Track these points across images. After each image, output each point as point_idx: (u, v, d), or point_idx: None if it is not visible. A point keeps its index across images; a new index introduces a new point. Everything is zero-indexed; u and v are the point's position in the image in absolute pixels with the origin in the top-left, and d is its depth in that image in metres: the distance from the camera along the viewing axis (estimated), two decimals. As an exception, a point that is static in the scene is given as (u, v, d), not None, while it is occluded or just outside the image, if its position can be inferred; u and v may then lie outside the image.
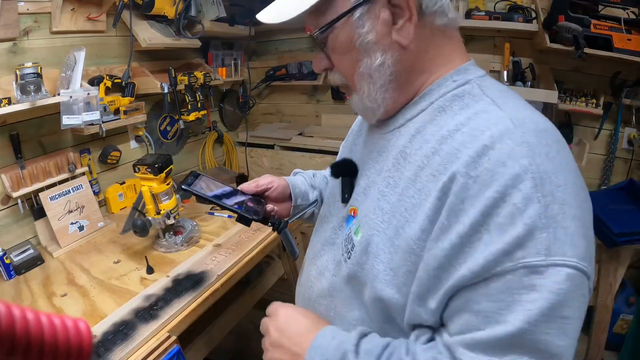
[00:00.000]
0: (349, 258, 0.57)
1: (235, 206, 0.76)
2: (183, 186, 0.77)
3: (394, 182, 0.52)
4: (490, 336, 0.41)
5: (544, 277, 0.39)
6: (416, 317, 0.49)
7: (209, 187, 0.79)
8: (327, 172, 0.93)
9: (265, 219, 0.78)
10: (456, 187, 0.44)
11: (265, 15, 0.58)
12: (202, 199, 0.77)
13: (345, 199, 0.64)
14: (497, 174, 0.42)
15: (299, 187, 0.87)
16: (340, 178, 0.66)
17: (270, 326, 0.61)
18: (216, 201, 0.76)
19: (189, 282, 1.05)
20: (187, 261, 1.16)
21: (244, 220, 0.75)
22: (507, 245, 0.41)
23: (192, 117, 1.77)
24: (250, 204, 0.79)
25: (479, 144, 0.44)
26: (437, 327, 0.49)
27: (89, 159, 1.48)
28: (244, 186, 0.83)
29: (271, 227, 0.78)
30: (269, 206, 0.80)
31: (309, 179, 0.91)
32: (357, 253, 0.55)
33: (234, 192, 0.81)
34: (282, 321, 0.60)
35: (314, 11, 0.53)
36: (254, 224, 0.76)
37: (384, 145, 0.59)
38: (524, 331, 0.40)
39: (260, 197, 0.83)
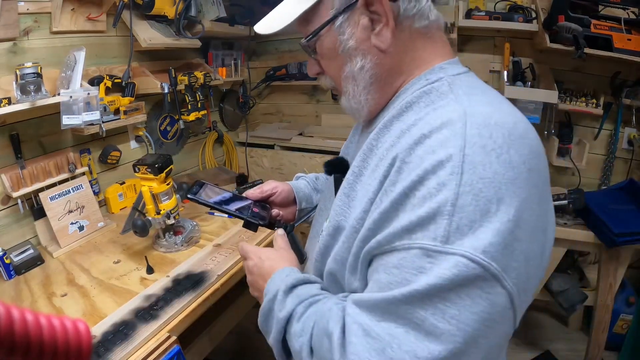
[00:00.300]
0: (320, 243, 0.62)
1: (241, 212, 0.78)
2: (189, 195, 0.79)
3: (359, 171, 0.56)
4: (373, 298, 0.45)
5: (434, 263, 0.41)
6: (352, 286, 0.53)
7: (214, 194, 0.81)
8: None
9: (271, 224, 0.80)
10: (393, 171, 0.47)
11: (260, 27, 0.63)
12: (208, 207, 0.79)
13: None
14: (425, 160, 0.44)
15: (302, 190, 0.89)
16: (333, 175, 0.68)
17: (250, 252, 0.71)
18: (222, 208, 0.78)
19: (189, 282, 1.05)
20: (187, 261, 1.16)
21: (251, 226, 0.77)
22: (410, 223, 0.43)
23: (192, 117, 1.77)
24: (255, 210, 0.81)
25: (419, 133, 0.47)
26: None
27: (89, 159, 1.48)
28: (248, 192, 0.85)
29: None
30: (274, 211, 0.83)
31: (312, 182, 0.93)
32: (324, 237, 0.59)
33: (239, 199, 0.83)
34: (261, 252, 0.70)
35: (302, 21, 0.58)
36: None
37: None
38: (401, 301, 0.42)
39: (265, 202, 0.85)
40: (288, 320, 0.56)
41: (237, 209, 0.79)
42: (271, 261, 0.67)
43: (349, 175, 0.57)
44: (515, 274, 0.41)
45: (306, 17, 0.57)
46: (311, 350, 0.52)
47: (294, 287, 0.58)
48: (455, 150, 0.43)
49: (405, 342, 0.42)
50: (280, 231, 0.76)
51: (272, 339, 0.58)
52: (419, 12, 0.54)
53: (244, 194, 0.85)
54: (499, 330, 0.43)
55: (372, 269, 0.48)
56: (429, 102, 0.52)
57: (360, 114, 0.61)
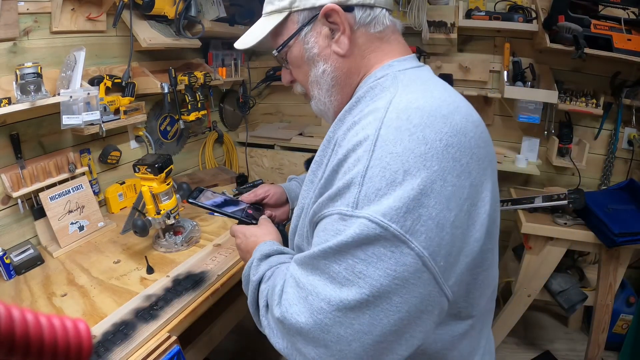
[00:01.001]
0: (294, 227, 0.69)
1: (237, 214, 0.88)
2: (189, 200, 0.90)
3: (320, 160, 0.62)
4: (304, 255, 0.54)
5: (347, 225, 0.48)
6: None
7: (213, 198, 0.92)
8: None
9: None
10: (332, 154, 0.57)
11: (239, 43, 0.72)
12: (207, 210, 0.90)
13: None
14: (350, 141, 0.53)
15: (294, 191, 0.99)
16: None
17: (238, 231, 0.82)
18: (219, 210, 0.88)
19: (189, 282, 1.05)
20: (187, 261, 1.16)
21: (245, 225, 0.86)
22: (332, 194, 0.52)
23: (192, 117, 1.77)
24: (250, 212, 0.90)
25: (352, 120, 0.56)
26: None
27: (89, 159, 1.48)
28: (244, 197, 0.95)
29: None
30: (267, 212, 0.94)
31: (302, 183, 0.97)
32: (294, 219, 0.68)
33: (235, 202, 0.93)
34: (246, 230, 0.81)
35: (273, 35, 0.67)
36: None
37: None
38: (320, 256, 0.50)
39: (259, 205, 0.95)
40: (259, 283, 0.65)
41: (232, 212, 0.88)
42: (255, 237, 0.77)
43: (312, 165, 0.64)
44: (424, 238, 0.47)
45: (276, 32, 0.66)
46: (267, 309, 0.61)
47: (268, 256, 0.68)
48: (372, 131, 0.50)
49: (322, 291, 0.49)
50: (264, 216, 0.87)
51: (248, 301, 0.66)
52: (373, 19, 0.62)
53: (239, 198, 0.95)
54: (416, 292, 0.48)
55: (314, 236, 0.56)
56: (373, 95, 0.59)
57: (328, 115, 0.68)
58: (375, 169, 0.48)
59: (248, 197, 0.94)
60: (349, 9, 0.60)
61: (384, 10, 0.63)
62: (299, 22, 0.63)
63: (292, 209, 0.96)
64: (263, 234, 0.78)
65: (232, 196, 0.96)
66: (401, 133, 0.49)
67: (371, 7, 0.61)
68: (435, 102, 0.53)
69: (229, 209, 0.88)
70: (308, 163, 0.85)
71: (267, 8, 0.67)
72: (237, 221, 0.87)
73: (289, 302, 0.53)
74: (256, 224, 0.85)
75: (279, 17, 0.65)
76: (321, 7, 0.60)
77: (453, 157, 0.50)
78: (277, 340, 0.58)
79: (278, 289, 0.57)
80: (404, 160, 0.47)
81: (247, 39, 0.70)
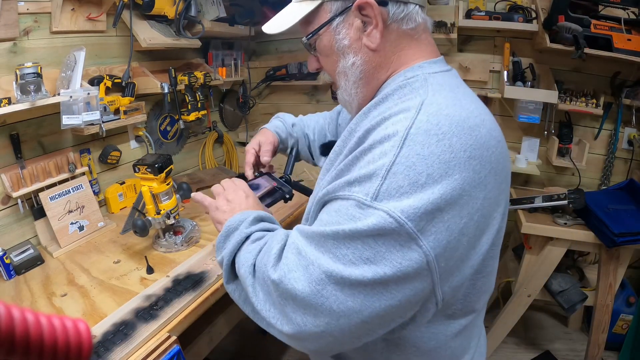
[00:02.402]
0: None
1: (276, 197, 0.91)
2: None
3: (339, 150, 0.63)
4: (312, 229, 0.55)
5: (364, 214, 0.50)
6: None
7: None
8: (308, 121, 1.18)
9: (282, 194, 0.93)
10: (355, 143, 0.58)
11: (268, 27, 0.71)
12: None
13: None
14: (378, 134, 0.54)
15: (280, 135, 1.07)
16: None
17: (225, 185, 0.83)
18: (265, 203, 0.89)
19: (189, 282, 1.05)
20: (187, 261, 1.16)
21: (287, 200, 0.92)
22: (351, 178, 0.53)
23: (192, 117, 1.77)
24: (275, 185, 0.93)
25: (382, 116, 0.56)
26: None
27: (89, 159, 1.48)
28: (248, 175, 0.97)
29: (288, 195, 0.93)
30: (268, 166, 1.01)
31: (289, 128, 1.11)
32: (309, 206, 0.67)
33: (256, 186, 0.93)
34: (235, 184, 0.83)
35: (303, 22, 0.66)
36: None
37: None
38: (330, 237, 0.52)
39: (262, 170, 0.99)
40: (246, 238, 0.66)
41: (270, 199, 0.90)
42: (248, 204, 0.79)
43: (331, 154, 0.65)
44: (433, 239, 0.49)
45: (308, 19, 0.65)
46: (254, 269, 0.62)
47: (263, 219, 0.71)
48: (402, 128, 0.51)
49: (324, 264, 0.51)
50: (237, 180, 0.87)
51: (225, 254, 0.67)
52: (406, 15, 0.61)
53: (253, 180, 0.96)
54: (412, 286, 0.51)
55: (321, 212, 0.58)
56: (402, 95, 0.59)
57: (352, 106, 0.69)
58: (400, 166, 0.49)
59: (249, 173, 0.98)
60: (383, 3, 0.60)
61: (417, 6, 0.62)
62: (331, 11, 0.63)
63: (282, 140, 1.06)
64: (251, 205, 0.80)
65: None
66: (430, 137, 0.50)
67: (405, 2, 0.61)
68: (464, 113, 0.55)
69: (267, 200, 0.90)
70: (322, 147, 0.89)
71: None
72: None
73: (289, 267, 0.55)
74: (290, 196, 0.92)
75: (311, 5, 0.64)
76: None
77: (474, 169, 0.51)
78: (260, 303, 0.60)
79: (275, 252, 0.59)
80: (429, 164, 0.49)
81: (277, 24, 0.69)
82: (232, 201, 0.78)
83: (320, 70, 0.73)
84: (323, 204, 0.58)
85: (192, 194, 0.88)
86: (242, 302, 0.66)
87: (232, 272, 0.68)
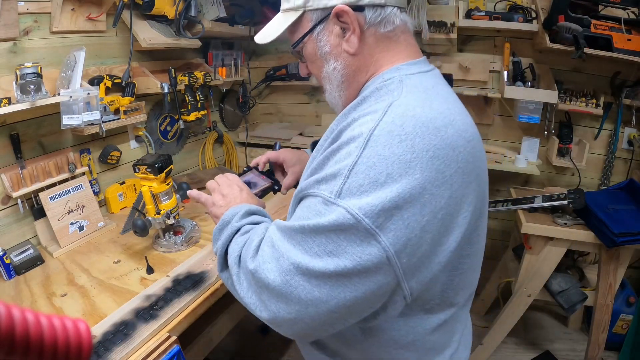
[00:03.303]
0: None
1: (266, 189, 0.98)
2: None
3: (320, 148, 0.66)
4: (286, 224, 0.59)
5: (327, 210, 0.53)
6: None
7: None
8: None
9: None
10: (331, 142, 0.61)
11: (258, 37, 0.76)
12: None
13: None
14: (347, 135, 0.57)
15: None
16: None
17: (220, 180, 0.87)
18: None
19: (189, 282, 1.05)
20: (187, 261, 1.16)
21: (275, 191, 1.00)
22: (320, 177, 0.57)
23: (192, 117, 1.77)
24: (263, 177, 1.01)
25: (352, 118, 0.60)
26: None
27: (89, 159, 1.48)
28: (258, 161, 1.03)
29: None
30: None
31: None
32: (292, 201, 0.69)
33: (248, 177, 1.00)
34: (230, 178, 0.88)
35: (289, 31, 0.70)
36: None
37: None
38: (298, 231, 0.56)
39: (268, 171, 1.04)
40: (237, 231, 0.70)
41: (260, 190, 0.97)
42: (235, 200, 0.82)
43: (314, 152, 0.68)
44: (392, 235, 0.51)
45: (292, 29, 0.70)
46: (239, 259, 0.66)
47: (253, 213, 0.75)
48: (367, 130, 0.54)
49: (293, 256, 0.55)
50: (230, 175, 0.91)
51: (219, 245, 0.71)
52: (384, 19, 0.63)
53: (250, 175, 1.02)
54: (375, 279, 0.53)
55: (297, 208, 0.62)
56: (378, 96, 0.61)
57: (337, 108, 0.72)
58: (362, 166, 0.52)
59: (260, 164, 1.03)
60: (359, 8, 0.62)
61: (396, 8, 0.64)
62: (312, 20, 0.66)
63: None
64: (245, 198, 0.83)
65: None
66: (392, 138, 0.53)
67: (382, 6, 0.63)
68: (432, 114, 0.56)
69: (259, 191, 0.97)
70: (312, 145, 0.93)
71: (284, 5, 0.70)
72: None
73: (264, 259, 0.60)
74: (278, 187, 0.98)
75: (294, 15, 0.68)
76: (333, 7, 0.63)
77: (437, 168, 0.53)
78: (243, 291, 0.65)
79: (254, 245, 0.63)
80: (389, 164, 0.51)
81: (266, 34, 0.74)
82: (227, 195, 0.82)
83: (310, 75, 0.76)
84: (299, 200, 0.62)
85: (189, 192, 0.91)
86: (232, 289, 0.70)
87: (224, 261, 0.71)
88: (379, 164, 0.52)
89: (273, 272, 0.57)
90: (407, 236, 0.52)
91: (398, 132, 0.53)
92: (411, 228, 0.52)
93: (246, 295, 0.64)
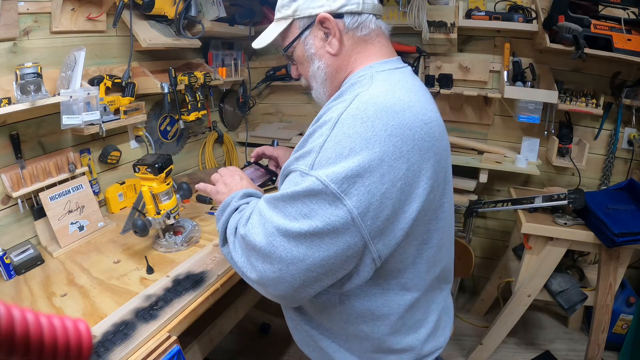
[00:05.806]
0: None
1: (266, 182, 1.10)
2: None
3: (305, 137, 0.73)
4: (271, 195, 0.70)
5: (303, 180, 0.64)
6: None
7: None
8: None
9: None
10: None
11: (255, 43, 0.86)
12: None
13: None
14: (321, 120, 0.69)
15: None
16: None
17: (222, 172, 0.96)
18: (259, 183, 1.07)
19: (189, 282, 1.05)
20: (187, 261, 1.16)
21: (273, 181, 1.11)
22: (299, 155, 0.68)
23: (192, 117, 1.77)
24: (262, 170, 1.12)
25: (329, 106, 0.72)
26: None
27: (89, 159, 1.48)
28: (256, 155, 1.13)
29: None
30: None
31: None
32: (279, 178, 0.78)
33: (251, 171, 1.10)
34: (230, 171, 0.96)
35: (281, 37, 0.82)
36: None
37: None
38: (279, 199, 0.67)
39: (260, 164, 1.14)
40: (235, 209, 0.80)
41: (260, 181, 1.08)
42: (243, 185, 0.91)
43: (300, 141, 0.75)
44: (355, 199, 0.61)
45: (284, 35, 0.82)
46: (235, 230, 0.76)
47: (250, 195, 0.84)
48: (336, 115, 0.66)
49: (275, 221, 0.66)
50: (231, 167, 1.00)
51: (221, 223, 0.80)
52: (361, 24, 0.75)
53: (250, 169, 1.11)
54: (344, 239, 0.63)
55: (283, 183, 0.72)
56: (352, 90, 0.71)
57: (322, 102, 0.82)
58: (330, 143, 0.64)
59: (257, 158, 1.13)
60: (339, 15, 0.74)
61: (371, 15, 0.76)
62: (300, 27, 0.78)
63: None
64: (245, 185, 0.92)
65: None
66: (355, 120, 0.64)
67: (359, 13, 0.75)
68: (392, 100, 0.66)
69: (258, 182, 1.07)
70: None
71: (276, 15, 0.81)
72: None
73: (252, 225, 0.70)
74: (275, 178, 1.10)
75: (285, 23, 0.79)
76: (317, 15, 0.74)
77: (394, 144, 0.63)
78: (237, 256, 0.74)
79: (247, 215, 0.75)
80: (353, 140, 0.62)
81: (261, 40, 0.85)
82: (229, 184, 0.91)
83: (300, 77, 0.88)
84: (285, 176, 0.72)
85: (196, 185, 0.97)
86: (230, 261, 0.77)
87: (225, 237, 0.80)
88: (344, 141, 0.62)
89: (259, 235, 0.67)
90: (368, 200, 0.61)
91: (361, 115, 0.64)
92: (372, 194, 0.61)
93: (240, 260, 0.73)
